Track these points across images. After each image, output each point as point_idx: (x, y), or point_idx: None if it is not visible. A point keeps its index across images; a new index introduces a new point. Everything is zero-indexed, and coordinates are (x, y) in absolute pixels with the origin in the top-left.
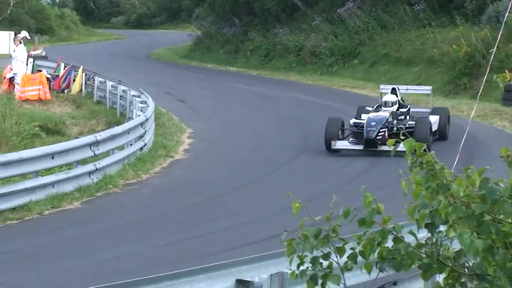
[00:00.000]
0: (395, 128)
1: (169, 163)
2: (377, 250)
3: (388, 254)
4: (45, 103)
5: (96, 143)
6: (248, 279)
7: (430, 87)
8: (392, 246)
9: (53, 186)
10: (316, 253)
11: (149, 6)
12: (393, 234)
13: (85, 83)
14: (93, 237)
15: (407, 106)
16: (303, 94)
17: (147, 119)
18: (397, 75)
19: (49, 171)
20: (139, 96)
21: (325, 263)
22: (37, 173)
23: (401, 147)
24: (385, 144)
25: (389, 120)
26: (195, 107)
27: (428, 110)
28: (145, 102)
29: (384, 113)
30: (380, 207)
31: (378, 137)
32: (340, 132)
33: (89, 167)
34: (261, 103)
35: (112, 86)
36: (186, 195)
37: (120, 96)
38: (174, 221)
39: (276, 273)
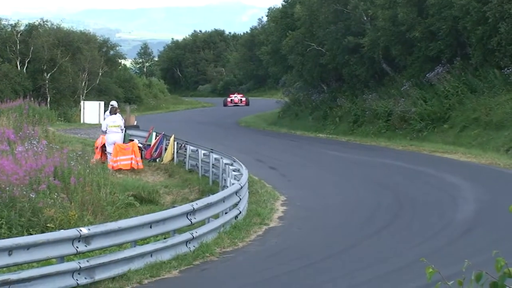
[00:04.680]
0: None
1: (264, 230)
2: None
3: None
4: (137, 172)
5: (193, 212)
6: None
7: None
8: None
9: (151, 255)
10: None
11: (236, 73)
12: None
13: (177, 152)
14: None
15: None
16: (393, 160)
17: (241, 187)
18: (487, 139)
19: (144, 240)
20: (231, 164)
21: None
22: (135, 243)
23: None
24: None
25: None
26: (286, 174)
27: None
28: (238, 170)
29: None
30: None
31: None
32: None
33: (186, 235)
34: (352, 169)
35: (204, 154)
36: (283, 263)
37: (213, 164)
38: None
39: None
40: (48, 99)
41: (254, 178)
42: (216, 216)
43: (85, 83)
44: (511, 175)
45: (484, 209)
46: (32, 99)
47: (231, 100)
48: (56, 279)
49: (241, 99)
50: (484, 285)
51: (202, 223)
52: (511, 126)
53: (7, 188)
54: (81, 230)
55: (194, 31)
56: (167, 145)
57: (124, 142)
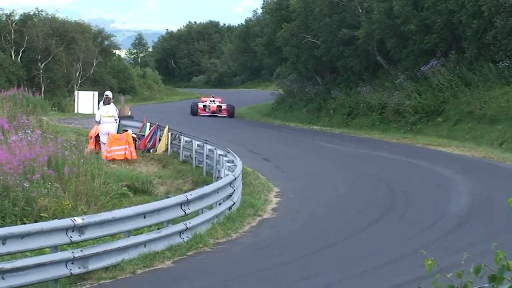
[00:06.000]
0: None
1: (258, 222)
2: None
3: None
4: (131, 163)
5: (187, 202)
6: None
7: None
8: None
9: (145, 245)
10: None
11: (230, 65)
12: None
13: (171, 142)
14: None
15: None
16: (386, 152)
17: (235, 178)
18: (481, 132)
19: (138, 230)
20: (225, 155)
21: None
22: (128, 233)
23: None
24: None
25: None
26: (280, 166)
27: None
28: (232, 161)
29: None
30: (510, 264)
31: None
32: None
33: (180, 226)
34: (345, 162)
35: (198, 145)
36: (276, 254)
37: (207, 155)
38: (265, 280)
39: None
40: (42, 89)
41: (248, 169)
42: (210, 207)
43: (79, 73)
44: (504, 168)
45: (477, 203)
46: (26, 88)
47: (205, 106)
48: (49, 268)
49: (220, 107)
50: (482, 278)
51: (196, 213)
52: (505, 120)
53: (1, 177)
54: (75, 220)
55: (189, 22)
56: (161, 135)
57: (118, 132)
